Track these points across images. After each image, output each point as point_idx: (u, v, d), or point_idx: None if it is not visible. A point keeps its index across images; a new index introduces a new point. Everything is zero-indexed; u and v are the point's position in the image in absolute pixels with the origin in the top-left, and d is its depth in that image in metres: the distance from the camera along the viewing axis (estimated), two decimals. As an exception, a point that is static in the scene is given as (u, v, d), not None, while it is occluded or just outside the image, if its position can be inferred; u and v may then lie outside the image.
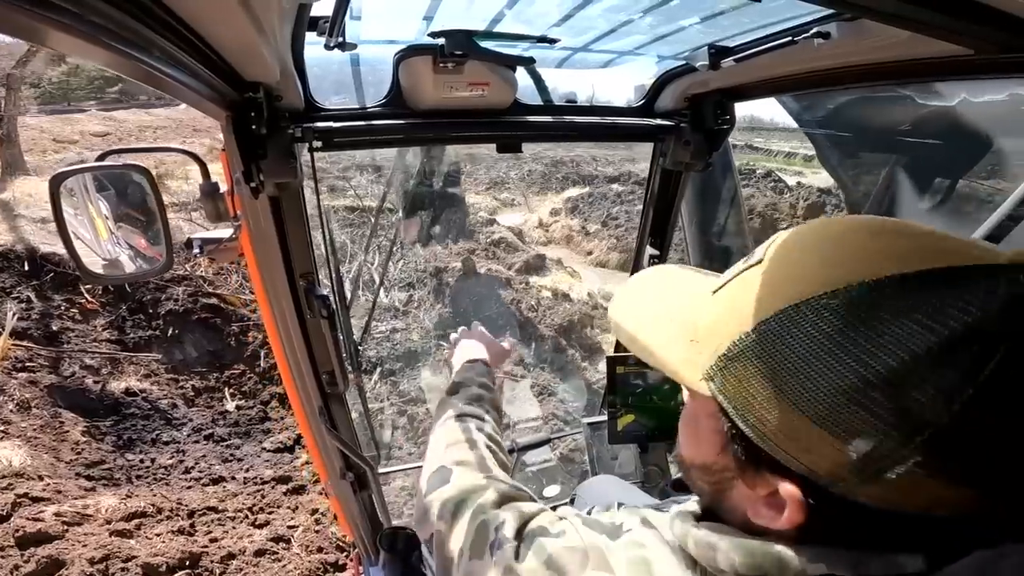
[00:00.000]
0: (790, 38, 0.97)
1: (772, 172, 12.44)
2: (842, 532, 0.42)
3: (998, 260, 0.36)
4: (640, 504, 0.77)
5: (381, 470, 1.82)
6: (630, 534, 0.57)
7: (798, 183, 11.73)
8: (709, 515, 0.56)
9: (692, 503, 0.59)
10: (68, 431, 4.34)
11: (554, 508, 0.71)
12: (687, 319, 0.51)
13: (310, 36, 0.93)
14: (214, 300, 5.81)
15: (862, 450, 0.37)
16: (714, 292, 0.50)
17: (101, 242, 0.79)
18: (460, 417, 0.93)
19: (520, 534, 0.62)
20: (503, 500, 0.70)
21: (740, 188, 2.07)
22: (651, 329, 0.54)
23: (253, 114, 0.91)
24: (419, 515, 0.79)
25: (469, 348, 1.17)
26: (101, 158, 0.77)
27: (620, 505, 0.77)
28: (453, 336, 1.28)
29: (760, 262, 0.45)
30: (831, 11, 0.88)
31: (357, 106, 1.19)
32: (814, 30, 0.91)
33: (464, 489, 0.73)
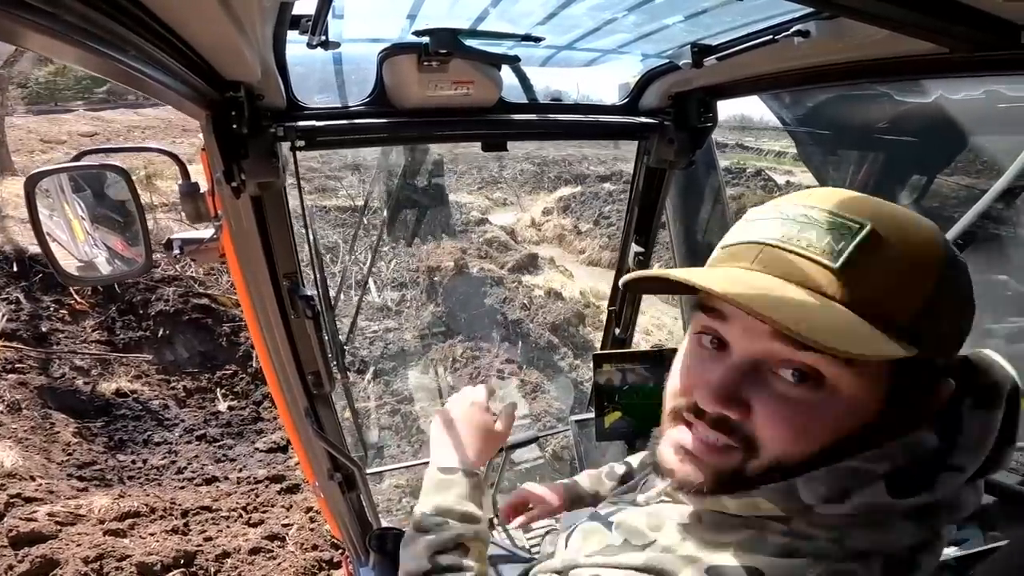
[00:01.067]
0: (771, 36, 0.97)
1: (762, 171, 12.52)
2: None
3: None
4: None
5: (369, 470, 1.82)
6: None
7: (787, 182, 11.81)
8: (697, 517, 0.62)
9: (671, 518, 0.64)
10: (59, 432, 4.34)
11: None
12: (826, 299, 0.51)
13: (292, 35, 0.92)
14: (205, 300, 5.78)
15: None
16: (841, 268, 0.51)
17: (78, 243, 0.79)
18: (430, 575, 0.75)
19: None
20: None
21: (724, 186, 2.09)
22: (784, 307, 0.50)
23: (234, 113, 0.90)
24: None
25: (446, 445, 0.90)
26: (78, 158, 0.77)
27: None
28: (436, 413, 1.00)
29: (871, 227, 0.51)
30: (811, 9, 0.89)
31: (340, 105, 1.18)
32: (794, 28, 0.92)
33: None
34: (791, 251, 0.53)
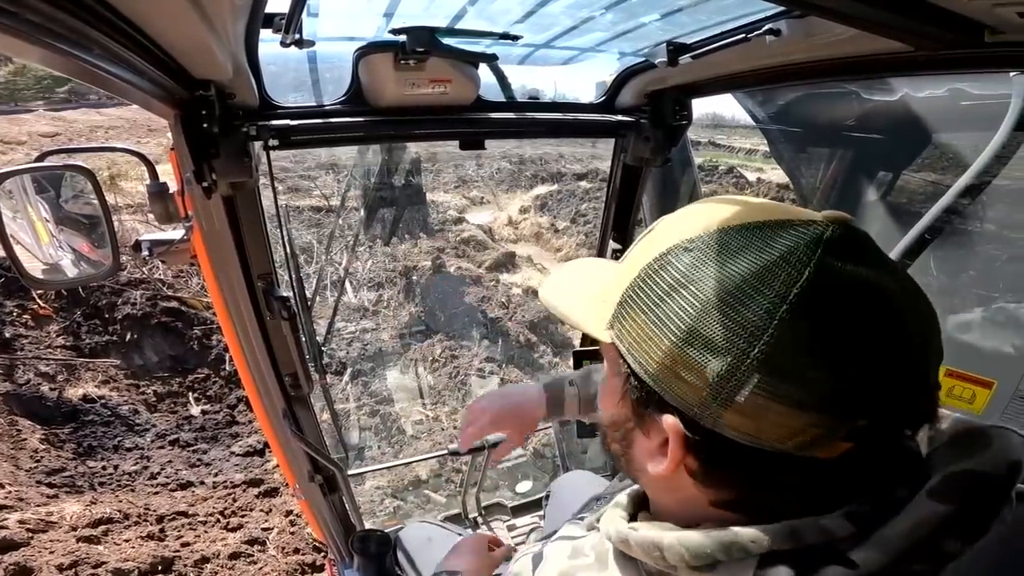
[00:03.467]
0: (743, 35, 0.99)
1: (734, 168, 12.73)
2: (730, 476, 0.48)
3: (815, 217, 0.45)
4: (584, 504, 0.79)
5: (351, 472, 1.80)
6: None
7: (758, 179, 12.04)
8: (639, 505, 0.61)
9: (614, 506, 0.61)
10: (26, 439, 4.24)
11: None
12: (598, 285, 0.56)
13: (265, 33, 0.91)
14: (174, 303, 5.65)
15: (716, 370, 0.43)
16: (620, 260, 0.56)
17: (42, 246, 0.76)
18: None
19: None
20: None
21: (699, 183, 2.12)
22: (570, 298, 0.60)
23: (204, 112, 0.88)
24: None
25: (456, 561, 1.04)
26: (40, 159, 0.74)
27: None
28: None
29: (652, 229, 0.53)
30: (782, 8, 0.91)
31: (315, 104, 1.16)
32: (766, 27, 0.94)
33: None
34: None
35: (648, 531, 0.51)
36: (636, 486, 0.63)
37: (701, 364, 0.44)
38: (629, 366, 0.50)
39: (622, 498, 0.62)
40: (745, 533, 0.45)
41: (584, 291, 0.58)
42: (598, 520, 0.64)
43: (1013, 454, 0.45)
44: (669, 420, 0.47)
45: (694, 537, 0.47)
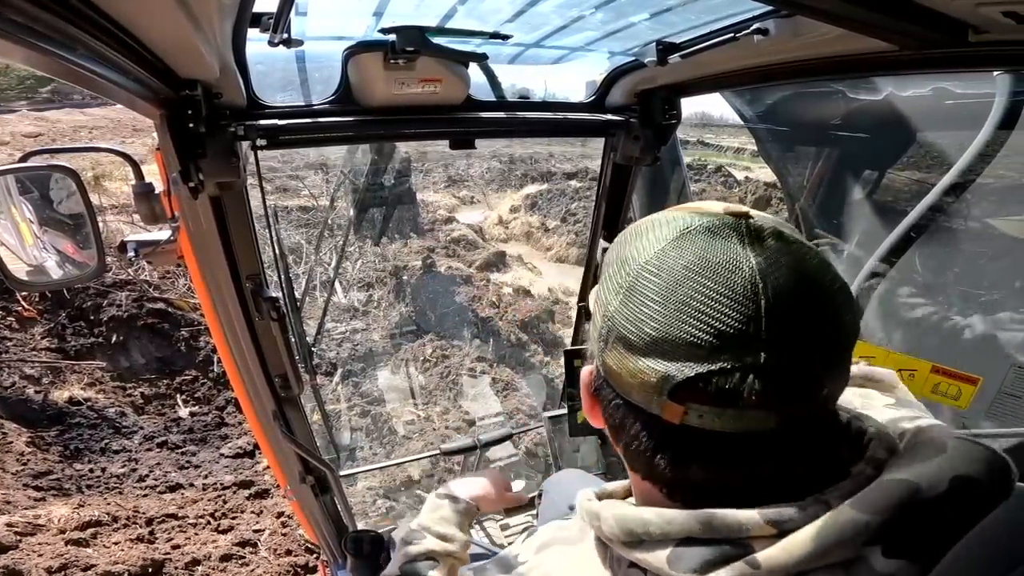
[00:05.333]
0: (732, 35, 1.00)
1: (722, 167, 12.81)
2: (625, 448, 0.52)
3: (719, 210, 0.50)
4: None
5: (342, 472, 1.79)
6: (524, 567, 0.65)
7: (746, 178, 12.11)
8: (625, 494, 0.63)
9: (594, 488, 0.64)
10: (12, 442, 4.19)
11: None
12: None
13: (253, 32, 0.90)
14: (160, 305, 5.58)
15: (598, 327, 0.51)
16: None
17: (26, 247, 0.75)
18: None
19: None
20: None
21: (688, 181, 2.13)
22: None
23: (190, 112, 0.87)
24: None
25: (459, 482, 1.06)
26: (24, 159, 0.73)
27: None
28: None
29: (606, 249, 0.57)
30: (770, 8, 0.91)
31: (304, 103, 1.16)
32: (754, 27, 0.94)
33: None
34: None
35: (597, 504, 0.55)
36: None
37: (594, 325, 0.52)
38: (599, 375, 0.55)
39: (611, 486, 0.64)
40: (667, 515, 0.48)
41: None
42: None
43: (962, 468, 0.43)
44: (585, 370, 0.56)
45: (623, 511, 0.51)
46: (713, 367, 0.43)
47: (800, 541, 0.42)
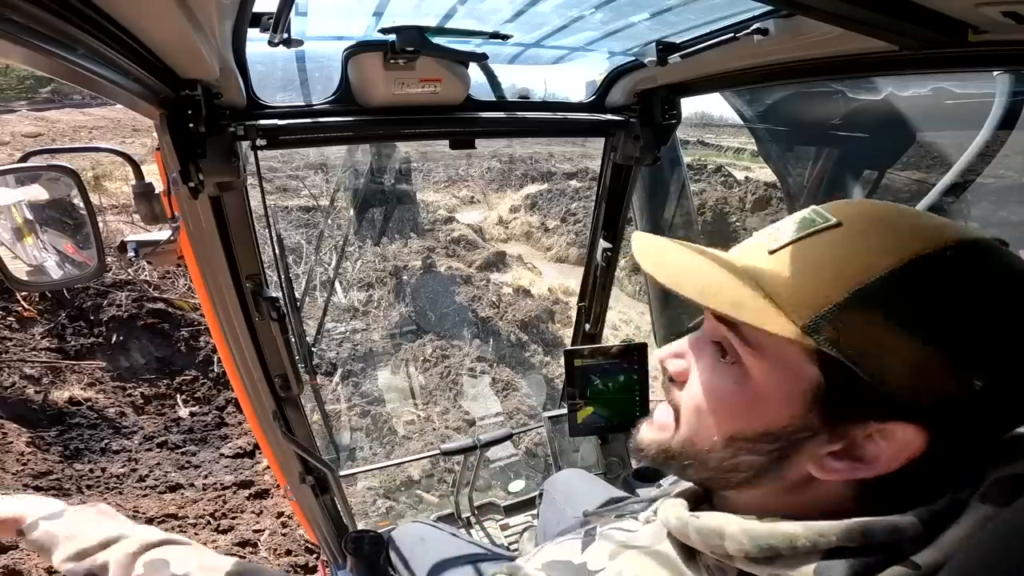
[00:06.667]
0: (732, 35, 1.00)
1: (722, 167, 12.79)
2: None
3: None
4: (602, 503, 0.77)
5: (342, 472, 1.79)
6: (603, 574, 0.58)
7: (746, 178, 12.10)
8: (702, 499, 0.59)
9: (674, 497, 0.60)
10: (12, 442, 4.18)
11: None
12: (742, 271, 0.51)
13: (253, 32, 0.90)
14: (160, 305, 5.58)
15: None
16: (771, 252, 0.51)
17: (26, 247, 0.75)
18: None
19: None
20: None
21: (688, 181, 2.13)
22: (722, 295, 0.50)
23: (190, 112, 0.88)
24: None
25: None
26: (24, 159, 0.73)
27: (585, 523, 0.75)
28: None
29: (839, 224, 0.49)
30: (770, 7, 0.92)
31: (304, 103, 1.16)
32: (754, 27, 0.94)
33: None
34: (757, 241, 0.55)
35: (711, 519, 0.50)
36: (688, 485, 0.62)
37: (959, 371, 0.43)
38: (843, 375, 0.46)
39: (677, 498, 0.61)
40: (816, 527, 0.45)
41: (731, 285, 0.51)
42: (654, 513, 0.63)
43: None
44: (906, 428, 0.45)
45: (759, 527, 0.47)
46: None
47: (951, 540, 0.42)
